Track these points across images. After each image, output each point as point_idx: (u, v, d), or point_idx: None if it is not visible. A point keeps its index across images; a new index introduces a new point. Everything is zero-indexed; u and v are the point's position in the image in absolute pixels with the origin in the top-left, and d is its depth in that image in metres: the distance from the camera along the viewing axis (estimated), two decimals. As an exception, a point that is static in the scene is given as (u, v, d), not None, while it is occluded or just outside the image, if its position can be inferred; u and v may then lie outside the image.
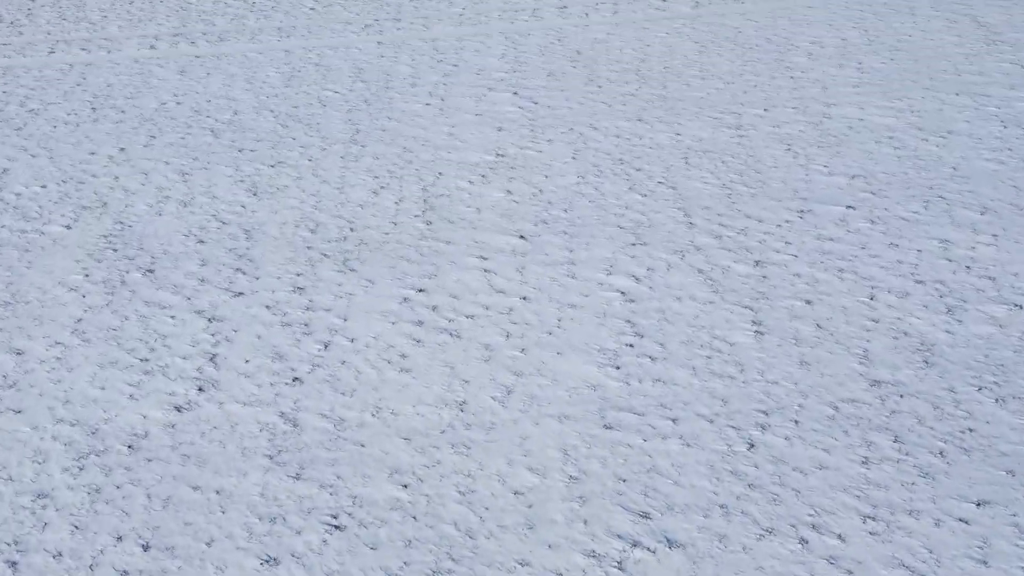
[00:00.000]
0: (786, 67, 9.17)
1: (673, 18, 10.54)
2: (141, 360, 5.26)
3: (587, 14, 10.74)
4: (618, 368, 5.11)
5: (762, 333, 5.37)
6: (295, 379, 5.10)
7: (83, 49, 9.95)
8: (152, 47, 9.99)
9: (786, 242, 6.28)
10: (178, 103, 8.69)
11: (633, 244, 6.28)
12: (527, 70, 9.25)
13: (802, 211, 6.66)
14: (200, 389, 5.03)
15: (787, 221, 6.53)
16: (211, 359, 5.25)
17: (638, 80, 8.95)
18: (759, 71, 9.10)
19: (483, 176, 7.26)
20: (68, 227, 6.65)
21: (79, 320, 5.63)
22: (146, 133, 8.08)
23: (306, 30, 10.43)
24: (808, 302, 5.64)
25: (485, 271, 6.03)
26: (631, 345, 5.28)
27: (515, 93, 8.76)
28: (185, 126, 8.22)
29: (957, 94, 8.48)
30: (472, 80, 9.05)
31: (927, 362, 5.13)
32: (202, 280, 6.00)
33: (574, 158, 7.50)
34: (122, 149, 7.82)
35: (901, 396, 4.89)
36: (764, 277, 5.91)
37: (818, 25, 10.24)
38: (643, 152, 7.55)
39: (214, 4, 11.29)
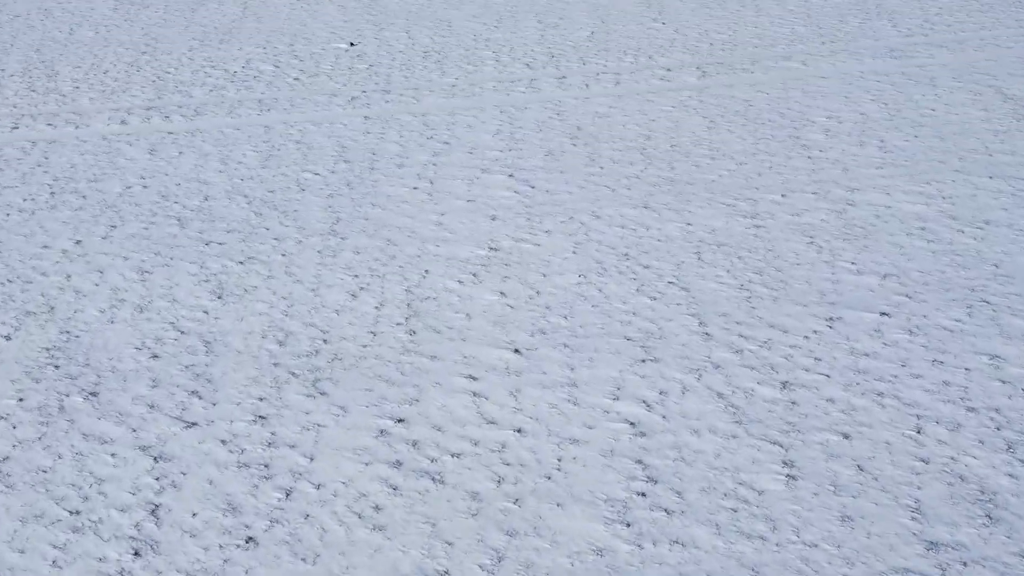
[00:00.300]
0: (802, 145, 8.54)
1: (679, 89, 9.95)
2: (71, 513, 4.51)
3: (587, 85, 10.15)
4: (629, 526, 4.37)
5: (795, 478, 4.64)
6: (249, 539, 4.36)
7: (49, 124, 9.33)
8: (123, 122, 9.37)
9: (815, 358, 5.58)
10: (145, 186, 8.04)
11: (643, 360, 5.57)
12: (523, 148, 8.62)
13: (831, 318, 5.97)
14: (136, 553, 4.28)
15: (815, 332, 5.84)
16: (153, 511, 4.51)
17: (643, 160, 8.32)
18: (773, 150, 8.47)
19: (474, 274, 6.58)
20: (7, 337, 5.94)
21: (5, 459, 4.89)
22: (106, 222, 7.41)
23: (288, 103, 9.83)
24: (846, 436, 4.93)
25: (474, 395, 5.32)
26: (643, 494, 4.55)
27: (510, 175, 8.12)
28: (150, 214, 7.55)
29: (991, 177, 7.83)
30: (464, 160, 8.42)
31: (990, 516, 4.40)
32: (151, 406, 5.29)
33: (575, 252, 6.83)
34: (78, 242, 7.15)
35: (964, 564, 4.16)
36: (793, 403, 5.20)
37: (834, 97, 9.64)
38: (651, 245, 6.89)
39: (193, 74, 10.70)
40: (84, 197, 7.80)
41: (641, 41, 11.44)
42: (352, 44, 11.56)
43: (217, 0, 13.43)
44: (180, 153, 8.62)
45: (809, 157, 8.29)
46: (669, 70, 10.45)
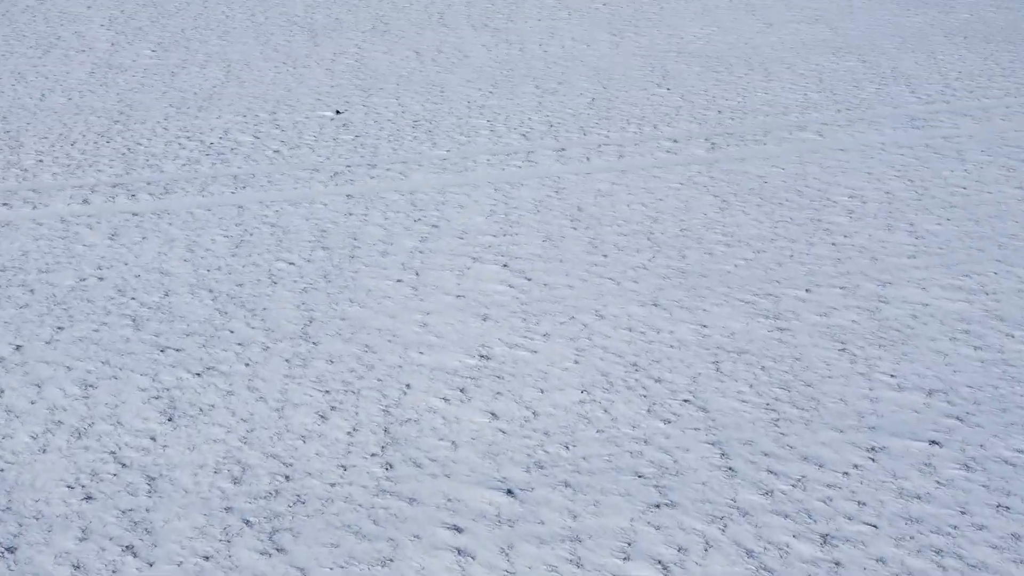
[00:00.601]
0: (825, 229, 7.84)
1: (687, 163, 9.28)
2: None
3: (588, 158, 9.48)
4: None
5: (846, 672, 3.88)
6: None
7: (4, 204, 8.62)
8: (85, 201, 8.67)
9: (859, 502, 4.81)
10: (101, 278, 7.31)
11: (657, 505, 4.80)
12: (519, 233, 7.92)
13: (873, 448, 5.21)
14: None
15: (856, 466, 5.07)
16: None
17: (651, 247, 7.60)
18: (793, 235, 7.76)
19: (462, 389, 5.82)
20: (-78, 470, 5.20)
21: None
22: (53, 323, 6.66)
23: (266, 179, 9.14)
24: (903, 611, 4.17)
25: (459, 553, 4.53)
26: None
27: (504, 265, 7.40)
28: (103, 312, 6.82)
29: (1036, 268, 7.14)
30: (454, 246, 7.70)
31: None
32: (76, 567, 4.51)
33: (576, 362, 6.09)
34: (18, 347, 6.39)
35: None
36: (837, 564, 4.42)
37: (855, 173, 8.96)
38: (662, 352, 6.14)
39: (166, 145, 10.03)
40: (32, 292, 7.05)
41: (645, 109, 10.80)
42: (338, 112, 10.92)
43: (199, 63, 12.83)
44: (143, 238, 7.90)
45: (833, 243, 7.58)
46: (676, 141, 9.79)
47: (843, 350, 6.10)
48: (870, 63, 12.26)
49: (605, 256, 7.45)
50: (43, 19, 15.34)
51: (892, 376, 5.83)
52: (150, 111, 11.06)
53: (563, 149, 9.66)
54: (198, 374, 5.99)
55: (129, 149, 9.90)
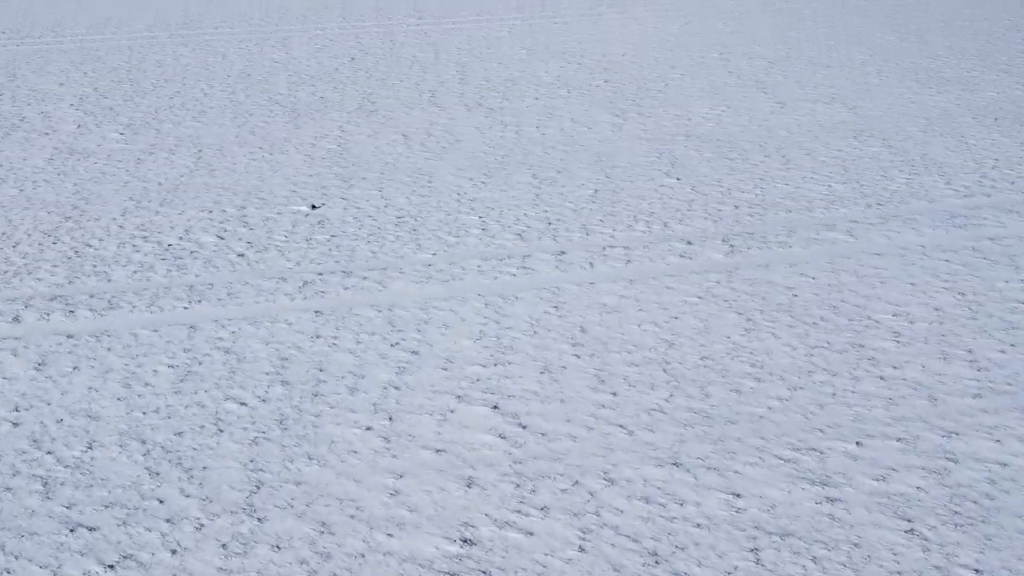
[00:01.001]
0: (869, 359, 6.76)
1: (704, 271, 8.24)
2: None
3: (591, 263, 8.44)
4: None
5: None
6: None
7: (-78, 322, 7.62)
8: (16, 319, 7.58)
9: None
10: (16, 423, 6.18)
11: None
12: (512, 361, 6.81)
13: None
14: None
15: None
16: None
17: (667, 381, 6.49)
18: (833, 365, 6.65)
19: (439, 590, 4.73)
20: None
21: None
22: (-53, 488, 5.59)
23: (225, 290, 8.08)
24: None
25: None
26: None
27: (495, 407, 6.30)
28: (9, 472, 5.67)
29: None
30: (436, 380, 6.60)
31: None
32: None
33: (582, 550, 4.95)
34: None
35: None
36: None
37: (895, 284, 7.91)
38: (687, 536, 5.02)
39: (118, 248, 8.97)
40: (-70, 442, 5.99)
41: (654, 203, 9.80)
42: (314, 207, 9.91)
43: (169, 147, 11.87)
44: (75, 368, 6.81)
45: (881, 377, 6.50)
46: (690, 243, 8.76)
47: (911, 531, 4.97)
48: (896, 149, 11.30)
49: (614, 394, 6.36)
50: (10, 98, 14.44)
51: (977, 572, 4.73)
52: (107, 205, 10.04)
53: (563, 252, 8.63)
54: (110, 566, 4.86)
55: (76, 252, 8.86)
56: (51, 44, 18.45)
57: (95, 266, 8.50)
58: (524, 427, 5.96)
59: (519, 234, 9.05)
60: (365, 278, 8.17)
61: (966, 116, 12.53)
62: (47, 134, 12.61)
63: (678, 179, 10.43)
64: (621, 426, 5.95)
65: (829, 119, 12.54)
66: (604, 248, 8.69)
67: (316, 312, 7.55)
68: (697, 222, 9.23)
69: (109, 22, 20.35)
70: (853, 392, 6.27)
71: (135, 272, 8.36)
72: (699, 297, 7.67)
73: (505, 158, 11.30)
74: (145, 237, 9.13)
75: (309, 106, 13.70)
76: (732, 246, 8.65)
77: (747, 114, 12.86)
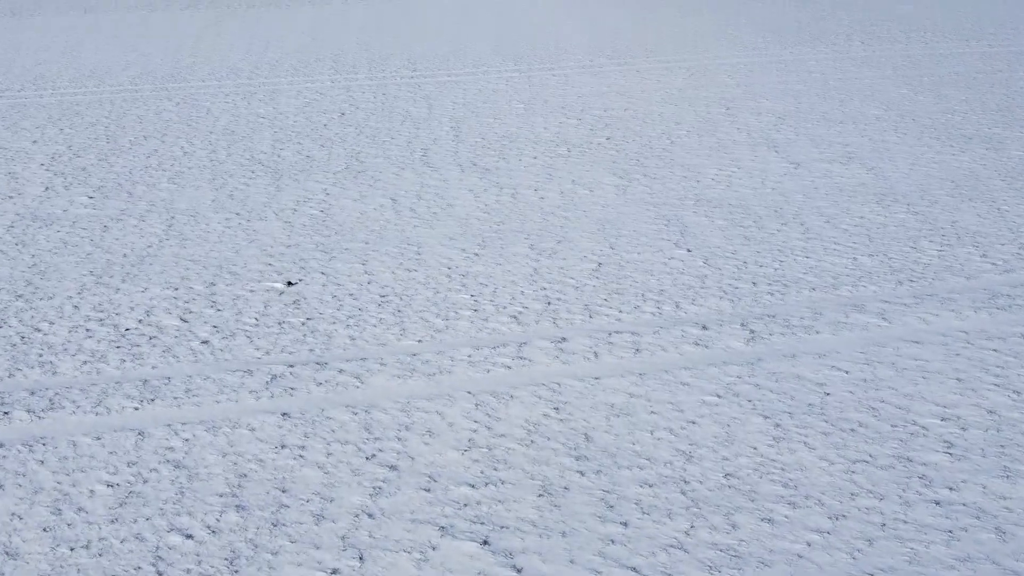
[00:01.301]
0: (920, 476, 5.88)
1: (722, 364, 7.39)
2: None
3: (595, 354, 7.58)
4: None
5: None
6: None
7: None
8: (-58, 422, 6.78)
9: None
10: (-81, 563, 5.37)
11: None
12: (506, 481, 5.89)
13: None
14: None
15: None
16: None
17: (687, 507, 5.53)
18: (879, 485, 5.71)
19: None
20: None
21: None
22: None
23: (183, 387, 7.21)
24: None
25: None
26: None
27: (484, 542, 5.40)
28: (-99, 631, 4.86)
29: None
30: (416, 505, 5.69)
31: None
32: None
33: None
34: None
35: None
36: None
37: (940, 380, 7.03)
38: None
39: (69, 333, 8.11)
40: None
41: (663, 278, 8.97)
42: (290, 283, 9.07)
43: (139, 214, 11.05)
44: None
45: (936, 503, 5.61)
46: (705, 328, 7.91)
47: None
48: (923, 216, 10.49)
49: (625, 524, 5.45)
50: (-23, 157, 13.72)
51: None
52: (63, 281, 9.19)
53: (564, 339, 7.77)
54: None
55: (23, 338, 7.99)
56: (31, 98, 17.73)
57: (41, 355, 7.63)
58: (519, 572, 5.07)
59: (515, 316, 8.19)
60: (341, 371, 7.29)
61: (994, 178, 11.74)
62: (11, 198, 11.78)
63: (688, 250, 9.60)
64: (634, 568, 5.05)
65: (848, 181, 11.75)
66: (610, 334, 7.83)
67: (283, 415, 6.67)
68: (712, 302, 8.39)
69: (93, 74, 19.65)
70: (905, 522, 5.37)
71: (84, 363, 7.48)
72: (718, 396, 6.80)
73: (500, 225, 10.49)
74: (101, 320, 8.27)
75: (293, 166, 12.92)
76: (752, 332, 7.79)
77: (759, 175, 12.08)
